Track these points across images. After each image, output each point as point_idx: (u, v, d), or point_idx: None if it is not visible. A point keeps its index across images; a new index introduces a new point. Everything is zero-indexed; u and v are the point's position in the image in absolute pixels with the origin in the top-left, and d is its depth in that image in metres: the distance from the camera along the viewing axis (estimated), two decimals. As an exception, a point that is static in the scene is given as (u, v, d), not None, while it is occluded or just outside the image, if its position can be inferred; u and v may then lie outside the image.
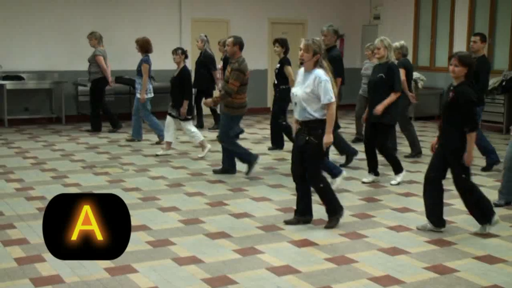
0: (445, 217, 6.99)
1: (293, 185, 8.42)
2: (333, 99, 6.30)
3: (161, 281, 5.14)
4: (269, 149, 11.09)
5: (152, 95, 11.52)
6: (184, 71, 10.19)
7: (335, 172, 8.21)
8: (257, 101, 14.94)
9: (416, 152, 10.43)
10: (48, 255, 5.61)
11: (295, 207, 6.84)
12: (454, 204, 7.61)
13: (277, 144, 11.13)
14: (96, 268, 5.37)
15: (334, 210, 6.64)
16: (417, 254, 5.84)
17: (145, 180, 8.68)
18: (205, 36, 13.15)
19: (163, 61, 13.09)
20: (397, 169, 8.67)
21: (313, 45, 6.33)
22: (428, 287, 5.12)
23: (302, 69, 6.54)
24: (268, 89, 16.60)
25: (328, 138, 6.37)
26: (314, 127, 6.34)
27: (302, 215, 6.74)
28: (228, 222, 6.83)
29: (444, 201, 7.63)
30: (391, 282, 5.19)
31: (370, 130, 8.55)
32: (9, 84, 13.33)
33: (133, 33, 14.15)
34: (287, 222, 6.70)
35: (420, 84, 15.11)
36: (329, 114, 6.33)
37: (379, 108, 8.30)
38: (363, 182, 8.62)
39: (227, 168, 9.09)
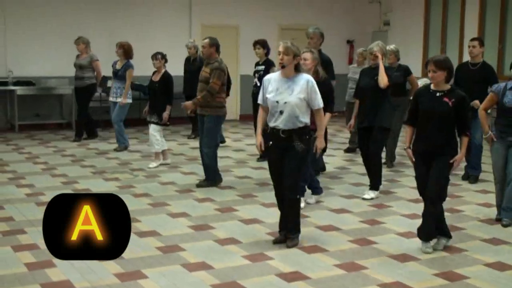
0: (455, 224, 6.99)
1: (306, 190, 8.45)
2: (322, 105, 6.17)
3: (171, 287, 5.15)
4: (258, 160, 10.49)
5: (131, 101, 11.36)
6: (167, 76, 9.95)
7: (317, 190, 7.90)
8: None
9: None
10: (58, 261, 5.64)
11: (278, 227, 6.40)
12: (464, 210, 7.60)
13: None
14: (106, 273, 5.38)
15: (299, 226, 6.30)
16: (427, 261, 5.83)
17: (155, 185, 8.69)
18: (194, 40, 12.93)
19: (173, 68, 13.06)
20: (376, 184, 8.21)
21: (292, 47, 6.09)
22: (438, 294, 5.12)
23: (273, 76, 6.23)
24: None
25: (320, 142, 6.32)
26: (303, 133, 6.08)
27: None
28: (237, 228, 6.83)
29: (454, 207, 7.64)
30: (400, 288, 5.18)
31: (365, 136, 8.16)
32: (19, 90, 13.39)
33: (143, 38, 14.25)
34: (276, 242, 6.28)
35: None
36: (321, 118, 6.22)
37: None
38: (364, 198, 8.10)
39: (212, 179, 8.76)
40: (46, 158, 10.61)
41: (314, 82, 6.12)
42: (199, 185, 8.67)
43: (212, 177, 8.72)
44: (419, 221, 7.02)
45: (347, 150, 11.54)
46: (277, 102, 6.03)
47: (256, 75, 10.47)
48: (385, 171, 9.77)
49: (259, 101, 6.30)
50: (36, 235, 6.40)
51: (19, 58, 13.76)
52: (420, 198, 8.06)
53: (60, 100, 14.18)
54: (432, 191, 5.99)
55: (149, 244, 6.19)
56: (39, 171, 9.64)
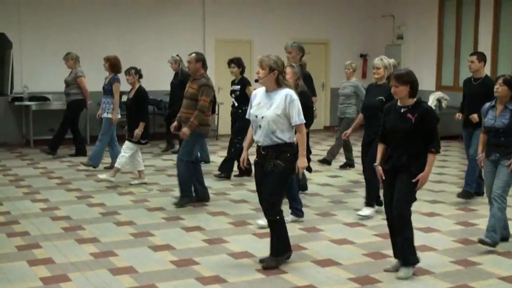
0: (469, 237, 6.96)
1: (317, 204, 8.46)
2: (304, 121, 5.89)
3: (185, 301, 5.16)
4: (236, 176, 10.31)
5: (119, 116, 10.96)
6: (140, 91, 9.63)
7: (298, 213, 7.67)
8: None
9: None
10: (73, 275, 5.67)
11: (288, 244, 6.19)
12: (478, 224, 7.56)
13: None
14: (121, 287, 5.40)
15: (281, 250, 6.03)
16: (442, 274, 5.80)
17: (169, 200, 8.71)
18: (177, 55, 12.48)
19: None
20: (372, 201, 7.95)
21: (268, 60, 5.83)
22: (453, 307, 5.09)
23: (260, 91, 6.04)
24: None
25: (302, 162, 5.92)
26: (282, 151, 5.80)
27: (284, 251, 6.14)
28: (251, 241, 6.84)
29: (468, 221, 7.59)
30: (415, 302, 5.16)
31: (367, 153, 7.83)
32: (34, 105, 13.50)
33: (157, 54, 14.35)
34: (262, 262, 6.07)
35: (444, 104, 15.12)
36: (302, 135, 5.89)
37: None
38: (358, 215, 7.86)
39: (201, 196, 8.64)
40: (61, 173, 10.67)
41: (294, 97, 5.83)
42: (176, 204, 8.38)
43: (187, 193, 8.42)
44: (433, 235, 7.02)
45: (322, 161, 11.56)
46: (256, 116, 5.89)
47: (233, 95, 10.16)
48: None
49: (247, 115, 6.13)
50: (51, 250, 6.44)
51: (34, 74, 13.89)
52: (435, 212, 8.09)
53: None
54: (397, 209, 5.71)
55: (163, 258, 6.21)
56: (54, 185, 9.70)
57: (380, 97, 7.74)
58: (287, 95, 5.80)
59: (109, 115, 10.76)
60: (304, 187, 9.07)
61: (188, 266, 5.99)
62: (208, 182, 9.82)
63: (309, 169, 7.99)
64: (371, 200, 7.91)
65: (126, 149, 9.61)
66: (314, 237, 7.01)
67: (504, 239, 6.75)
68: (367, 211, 7.85)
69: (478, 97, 8.27)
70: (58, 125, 12.45)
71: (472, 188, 8.70)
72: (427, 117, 5.65)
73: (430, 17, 16.22)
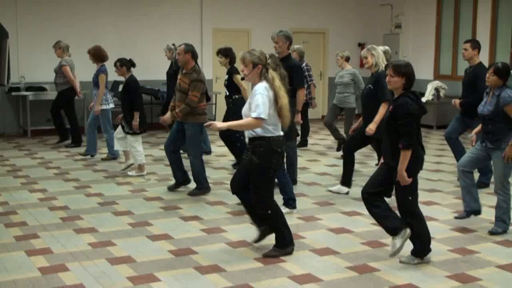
0: (467, 226, 6.96)
1: (316, 193, 8.47)
2: (263, 116, 5.65)
3: (183, 290, 5.17)
4: (234, 165, 10.26)
5: (113, 106, 11.01)
6: (128, 82, 9.56)
7: (291, 203, 7.60)
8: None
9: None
10: (71, 265, 5.68)
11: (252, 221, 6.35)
12: (477, 212, 7.57)
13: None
14: (119, 276, 5.41)
15: (282, 241, 6.02)
16: (440, 263, 5.81)
17: (167, 189, 8.70)
18: (173, 45, 12.27)
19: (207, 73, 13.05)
20: (347, 182, 8.41)
21: (250, 56, 5.79)
22: (451, 296, 5.10)
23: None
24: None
25: (221, 124, 5.84)
26: (256, 144, 5.79)
27: (262, 224, 6.22)
28: (249, 231, 6.82)
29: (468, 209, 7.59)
30: (413, 291, 5.17)
31: (358, 138, 8.18)
32: (31, 96, 13.47)
33: (155, 43, 14.33)
34: (257, 241, 6.24)
35: (442, 93, 15.11)
36: (248, 119, 5.75)
37: (372, 128, 7.83)
38: (329, 190, 8.47)
39: (181, 180, 8.68)
40: (59, 163, 10.66)
41: (258, 91, 5.73)
42: (191, 193, 8.46)
43: (201, 184, 8.50)
44: (431, 223, 7.02)
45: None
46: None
47: (225, 83, 10.14)
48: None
49: None
50: (49, 240, 6.44)
51: (31, 64, 13.85)
52: (433, 201, 8.11)
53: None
54: (401, 211, 5.80)
55: (161, 248, 6.21)
56: (51, 176, 9.69)
57: (369, 85, 7.90)
58: (255, 89, 5.79)
59: (102, 106, 10.80)
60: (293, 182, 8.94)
61: (186, 255, 5.99)
62: (207, 172, 9.81)
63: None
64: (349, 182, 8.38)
65: (133, 143, 9.52)
66: (312, 226, 7.01)
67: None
68: (344, 189, 8.41)
69: (468, 85, 8.44)
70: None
71: (485, 177, 8.75)
72: (398, 110, 5.51)
73: (428, 6, 16.19)
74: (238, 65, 6.72)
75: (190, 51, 8.27)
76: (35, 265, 5.69)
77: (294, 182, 8.83)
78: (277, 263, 5.79)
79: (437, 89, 15.11)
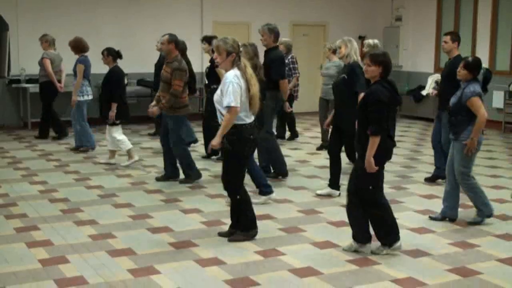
0: (467, 219, 6.96)
1: (315, 186, 8.46)
2: (233, 104, 5.77)
3: (184, 283, 5.16)
4: (204, 157, 10.38)
5: (90, 97, 11.05)
6: (110, 72, 9.61)
7: (264, 190, 7.67)
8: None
9: None
10: (71, 257, 5.68)
11: (229, 219, 6.41)
12: (477, 206, 7.57)
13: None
14: (119, 269, 5.41)
15: (246, 225, 6.17)
16: (440, 256, 5.81)
17: (167, 182, 8.70)
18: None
19: (196, 64, 13.03)
20: (335, 184, 8.10)
21: (224, 45, 5.88)
22: (451, 289, 5.11)
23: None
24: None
25: (215, 140, 5.94)
26: (230, 132, 5.89)
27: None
28: (250, 224, 6.84)
29: (466, 203, 7.60)
30: (413, 284, 5.17)
31: (335, 135, 8.02)
32: (32, 88, 13.43)
33: (154, 36, 14.24)
34: (221, 234, 6.35)
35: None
36: (225, 118, 5.86)
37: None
38: (318, 195, 8.06)
39: (170, 175, 8.78)
40: (59, 155, 10.65)
41: (228, 80, 5.84)
42: (182, 181, 8.65)
43: (190, 172, 8.63)
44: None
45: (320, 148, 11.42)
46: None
47: (206, 71, 10.26)
48: (398, 167, 9.77)
49: None
50: (49, 232, 6.44)
51: (32, 56, 13.77)
52: (434, 194, 8.10)
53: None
54: (360, 196, 5.77)
55: (161, 240, 6.22)
56: (52, 168, 9.69)
57: (342, 75, 7.87)
58: (225, 77, 5.89)
59: (78, 97, 10.86)
60: (284, 174, 9.05)
61: (186, 248, 5.99)
62: (206, 165, 9.83)
63: None
64: (336, 184, 8.14)
65: (113, 133, 9.62)
66: (313, 220, 7.01)
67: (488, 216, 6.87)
68: (325, 190, 8.13)
69: (446, 77, 8.34)
70: (55, 107, 12.41)
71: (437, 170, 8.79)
72: (369, 98, 5.59)
73: (429, -1, 16.16)
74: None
75: (174, 41, 8.36)
76: (35, 257, 5.70)
77: (286, 174, 8.96)
78: (277, 256, 5.80)
79: (437, 82, 15.07)
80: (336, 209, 7.41)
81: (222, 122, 5.91)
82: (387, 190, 8.36)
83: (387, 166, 9.21)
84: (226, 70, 5.97)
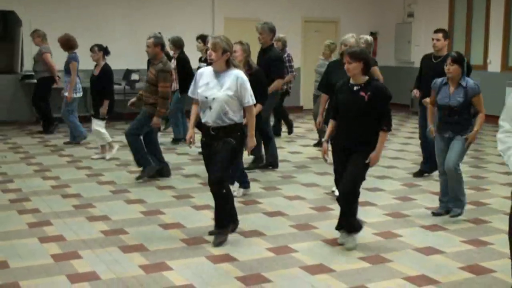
0: (480, 217, 6.94)
1: (327, 183, 8.44)
2: (254, 102, 5.99)
3: (195, 279, 5.16)
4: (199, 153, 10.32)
5: (81, 94, 11.25)
6: (105, 69, 9.73)
7: (245, 184, 7.86)
8: (290, 99, 14.74)
9: None
10: (84, 252, 5.69)
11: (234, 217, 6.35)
12: (490, 203, 7.54)
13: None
14: (131, 265, 5.42)
15: (227, 222, 6.11)
16: (453, 254, 5.79)
17: (179, 178, 8.72)
18: (159, 33, 12.51)
19: (196, 61, 13.08)
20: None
21: (221, 42, 5.83)
22: (464, 287, 5.08)
23: (206, 70, 6.03)
24: (301, 87, 16.59)
25: (252, 141, 6.07)
26: (233, 130, 5.89)
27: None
28: (261, 220, 6.84)
29: (479, 200, 7.57)
30: (426, 282, 5.15)
31: None
32: (44, 83, 13.47)
33: (165, 33, 14.25)
34: (211, 233, 6.20)
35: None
36: (252, 116, 6.01)
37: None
38: (333, 191, 7.83)
39: (159, 168, 8.69)
40: (71, 151, 10.69)
41: (245, 78, 5.90)
42: (139, 177, 8.54)
43: (144, 163, 8.51)
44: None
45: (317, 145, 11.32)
46: (206, 97, 5.87)
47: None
48: (410, 164, 9.75)
49: (190, 93, 6.12)
50: (62, 227, 6.47)
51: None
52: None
53: (85, 93, 14.20)
54: (346, 188, 5.79)
55: (173, 236, 6.22)
56: (64, 163, 9.72)
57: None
58: (238, 77, 5.86)
59: (65, 93, 11.05)
60: (274, 164, 9.37)
61: (198, 244, 5.99)
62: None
63: (266, 142, 8.63)
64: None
65: (97, 126, 9.82)
66: (324, 216, 7.00)
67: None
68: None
69: (437, 76, 7.50)
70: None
71: (426, 165, 8.88)
72: (380, 95, 5.67)
73: (442, -5, 16.09)
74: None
75: (159, 44, 8.35)
76: (48, 252, 5.72)
77: (275, 164, 9.38)
78: (289, 252, 5.79)
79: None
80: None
81: (249, 121, 6.01)
82: (399, 187, 8.36)
83: (399, 163, 9.23)
84: (219, 68, 5.89)
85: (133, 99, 8.80)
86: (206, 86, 5.90)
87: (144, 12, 14.78)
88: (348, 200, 5.84)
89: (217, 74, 5.91)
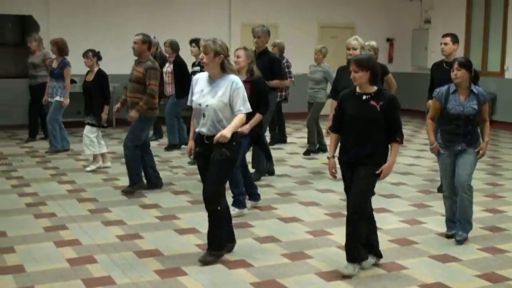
0: (497, 224, 6.89)
1: (342, 189, 8.41)
2: (248, 111, 5.58)
3: (210, 284, 5.16)
4: (189, 163, 9.97)
5: (68, 100, 10.99)
6: (100, 74, 9.47)
7: (255, 196, 7.56)
8: (297, 106, 14.58)
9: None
10: (99, 257, 5.71)
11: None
12: (506, 211, 7.48)
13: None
14: (146, 270, 5.43)
15: (220, 243, 5.69)
16: (469, 262, 5.75)
17: (195, 183, 8.72)
18: (154, 37, 11.97)
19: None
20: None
21: (212, 44, 5.48)
22: (480, 295, 5.05)
23: (201, 76, 5.71)
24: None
25: (227, 132, 5.40)
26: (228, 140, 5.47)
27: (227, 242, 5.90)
28: (276, 226, 6.83)
29: (496, 207, 7.50)
30: (442, 289, 5.12)
31: None
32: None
33: (183, 38, 14.30)
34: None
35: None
36: (239, 121, 5.52)
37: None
38: None
39: (154, 182, 8.44)
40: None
41: (240, 85, 5.54)
42: (125, 191, 8.16)
43: (135, 180, 8.19)
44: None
45: (306, 153, 11.18)
46: (199, 104, 5.55)
47: (192, 76, 10.11)
48: (426, 170, 9.70)
49: (189, 102, 5.77)
50: (77, 231, 6.49)
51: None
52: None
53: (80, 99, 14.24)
54: (355, 202, 5.35)
55: (189, 241, 6.23)
56: (80, 167, 9.76)
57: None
58: (233, 82, 5.52)
59: (58, 98, 10.81)
60: (271, 172, 9.23)
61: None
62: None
63: (268, 155, 8.12)
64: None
65: (89, 133, 9.48)
66: (340, 223, 6.95)
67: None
68: None
69: (443, 82, 7.08)
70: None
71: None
72: (393, 106, 5.35)
73: (458, 0, 16.00)
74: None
75: (148, 42, 8.15)
76: (63, 256, 5.74)
77: (272, 172, 9.22)
78: (305, 259, 5.77)
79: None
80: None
81: (235, 121, 5.49)
82: (416, 193, 8.32)
83: (417, 170, 9.18)
84: (213, 73, 5.57)
85: (118, 105, 8.55)
86: (200, 93, 5.60)
87: (162, 19, 14.82)
88: (354, 219, 5.34)
89: (212, 80, 5.59)
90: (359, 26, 16.96)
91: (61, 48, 10.89)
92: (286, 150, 11.64)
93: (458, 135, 6.20)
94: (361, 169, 5.36)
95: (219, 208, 5.61)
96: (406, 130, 14.36)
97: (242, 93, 5.53)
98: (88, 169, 9.58)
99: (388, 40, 17.36)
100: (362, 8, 17.02)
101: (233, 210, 7.10)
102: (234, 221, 6.91)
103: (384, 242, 6.27)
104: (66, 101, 10.89)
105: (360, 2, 16.98)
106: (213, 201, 5.59)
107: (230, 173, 5.80)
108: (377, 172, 5.35)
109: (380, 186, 8.55)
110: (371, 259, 5.61)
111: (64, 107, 11.00)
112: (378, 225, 6.80)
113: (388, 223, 6.97)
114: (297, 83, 11.42)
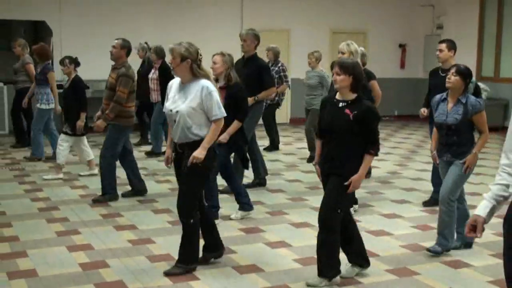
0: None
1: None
2: (224, 115, 5.38)
3: (222, 289, 5.18)
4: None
5: (51, 107, 10.62)
6: (75, 81, 9.19)
7: (245, 206, 7.37)
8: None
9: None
10: (111, 261, 5.73)
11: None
12: (519, 217, 7.45)
13: None
14: (159, 275, 5.44)
15: (188, 258, 5.51)
16: (482, 268, 5.73)
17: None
18: (146, 43, 12.22)
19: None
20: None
21: (179, 48, 5.31)
22: (492, 301, 5.03)
23: (175, 82, 5.53)
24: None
25: (199, 153, 5.26)
26: (198, 147, 5.30)
27: (213, 251, 5.80)
28: (288, 231, 6.83)
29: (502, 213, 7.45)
30: (454, 295, 5.11)
31: None
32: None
33: (196, 43, 14.37)
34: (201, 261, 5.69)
35: (484, 95, 14.89)
36: (216, 128, 5.35)
37: None
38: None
39: (139, 188, 8.38)
40: (98, 160, 10.73)
41: (211, 89, 5.30)
42: (95, 200, 7.98)
43: (107, 190, 8.03)
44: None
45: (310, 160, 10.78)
46: (170, 110, 5.37)
47: None
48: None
49: (164, 109, 5.60)
50: (90, 236, 6.52)
51: (74, 61, 14.02)
52: (473, 205, 7.96)
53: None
54: (322, 217, 5.17)
55: (200, 247, 6.22)
56: (92, 173, 9.79)
57: None
58: (203, 87, 5.28)
59: (43, 106, 10.53)
60: (263, 183, 8.98)
61: (225, 254, 5.97)
62: (245, 171, 9.81)
63: (245, 165, 7.44)
64: None
65: (62, 141, 9.31)
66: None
67: (468, 244, 6.29)
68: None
69: (438, 90, 6.93)
70: (96, 112, 12.46)
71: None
72: (369, 116, 5.07)
73: (471, 6, 15.98)
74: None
75: (126, 47, 7.91)
76: (76, 261, 5.76)
77: (263, 182, 8.97)
78: (315, 265, 5.76)
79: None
80: (375, 218, 7.37)
81: (209, 134, 5.33)
82: (426, 199, 8.29)
83: (428, 176, 9.13)
84: (183, 78, 5.38)
85: (98, 113, 8.14)
86: (172, 99, 5.42)
87: (174, 24, 14.89)
88: (324, 228, 5.15)
89: (183, 85, 5.39)
90: (371, 31, 16.97)
91: (40, 54, 10.62)
92: (297, 155, 11.63)
93: (444, 145, 6.09)
94: (331, 180, 5.17)
95: (191, 221, 5.42)
96: (417, 136, 14.34)
97: (215, 97, 5.33)
98: (45, 177, 9.36)
99: (400, 45, 17.34)
100: (374, 14, 17.02)
101: (239, 214, 7.30)
102: (244, 225, 6.97)
103: (395, 248, 6.27)
104: (58, 108, 10.54)
105: (372, 7, 16.98)
106: (183, 214, 5.43)
107: (203, 185, 5.62)
108: (346, 183, 5.09)
109: (391, 192, 8.59)
110: (353, 269, 5.47)
111: (47, 114, 10.63)
112: (389, 230, 6.84)
113: (399, 228, 6.96)
114: (304, 89, 11.37)
